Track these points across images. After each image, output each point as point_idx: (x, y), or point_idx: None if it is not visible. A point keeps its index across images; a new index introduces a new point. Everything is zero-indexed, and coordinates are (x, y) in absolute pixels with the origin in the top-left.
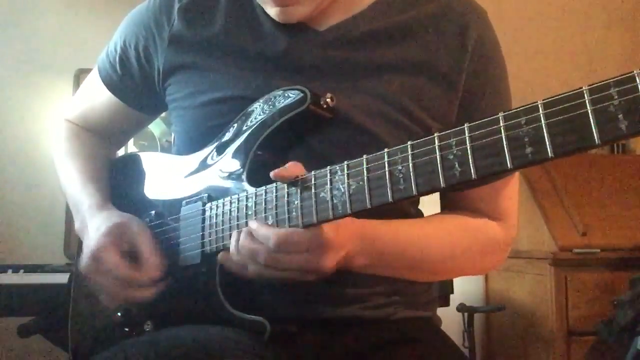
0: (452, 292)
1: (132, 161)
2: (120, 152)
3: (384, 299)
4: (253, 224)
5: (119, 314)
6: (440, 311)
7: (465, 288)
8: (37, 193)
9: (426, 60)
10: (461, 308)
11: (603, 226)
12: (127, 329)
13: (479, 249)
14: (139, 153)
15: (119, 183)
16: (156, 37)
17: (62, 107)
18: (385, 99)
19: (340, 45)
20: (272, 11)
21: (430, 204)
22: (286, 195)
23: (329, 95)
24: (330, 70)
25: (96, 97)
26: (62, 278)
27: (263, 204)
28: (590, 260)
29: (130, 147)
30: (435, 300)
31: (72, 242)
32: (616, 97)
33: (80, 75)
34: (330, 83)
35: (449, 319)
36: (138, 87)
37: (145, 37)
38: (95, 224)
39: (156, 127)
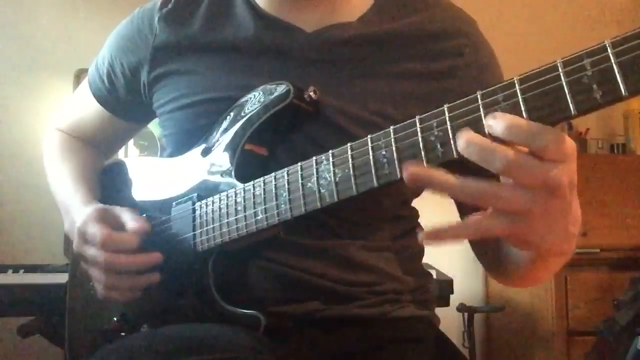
0: (452, 292)
1: (121, 168)
2: (121, 152)
3: (380, 297)
4: (500, 121)
5: (114, 318)
6: (440, 311)
7: (465, 288)
8: (37, 193)
9: (414, 68)
10: (461, 308)
11: (603, 226)
12: (123, 334)
13: None
14: (126, 159)
15: (109, 190)
16: (141, 50)
17: (61, 108)
18: (367, 105)
19: (327, 47)
20: None
21: (429, 203)
22: (274, 189)
23: (312, 88)
24: (315, 71)
25: (86, 108)
26: (62, 278)
27: (252, 199)
28: (590, 260)
29: (131, 147)
30: (433, 299)
31: (72, 242)
32: (589, 67)
33: (80, 75)
34: (314, 84)
35: (449, 319)
36: (126, 99)
37: (130, 50)
38: (82, 215)
39: (156, 127)
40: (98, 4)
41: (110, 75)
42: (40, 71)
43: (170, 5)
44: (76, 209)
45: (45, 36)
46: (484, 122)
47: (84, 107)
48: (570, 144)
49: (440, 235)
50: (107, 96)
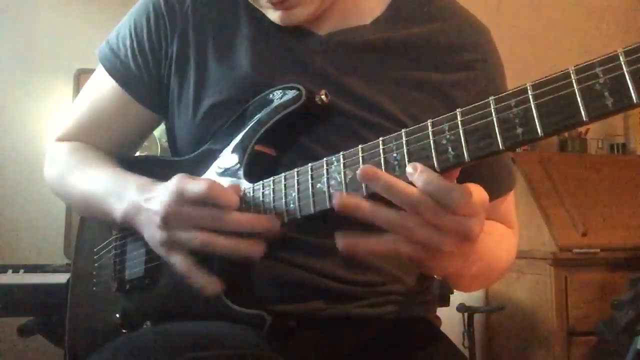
0: (452, 292)
1: (131, 166)
2: None
3: (382, 298)
4: (417, 174)
5: (117, 315)
6: (440, 311)
7: None
8: (37, 193)
9: (427, 77)
10: (461, 308)
11: (603, 226)
12: (124, 331)
13: (511, 256)
14: (137, 156)
15: None
16: (174, 22)
17: (62, 108)
18: (379, 110)
19: (340, 51)
20: (274, 15)
21: None
22: (283, 189)
23: (323, 92)
24: (328, 75)
25: (97, 104)
26: (62, 278)
27: (261, 198)
28: (590, 260)
29: None
30: (434, 300)
31: (72, 242)
32: (601, 75)
33: (80, 76)
34: (327, 87)
35: (449, 319)
36: (148, 76)
37: (156, 20)
38: (154, 185)
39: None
40: (98, 4)
41: (134, 48)
42: (40, 71)
43: None
44: (136, 189)
45: (45, 36)
46: (496, 128)
47: (93, 105)
48: (479, 198)
49: (358, 247)
50: (129, 74)
